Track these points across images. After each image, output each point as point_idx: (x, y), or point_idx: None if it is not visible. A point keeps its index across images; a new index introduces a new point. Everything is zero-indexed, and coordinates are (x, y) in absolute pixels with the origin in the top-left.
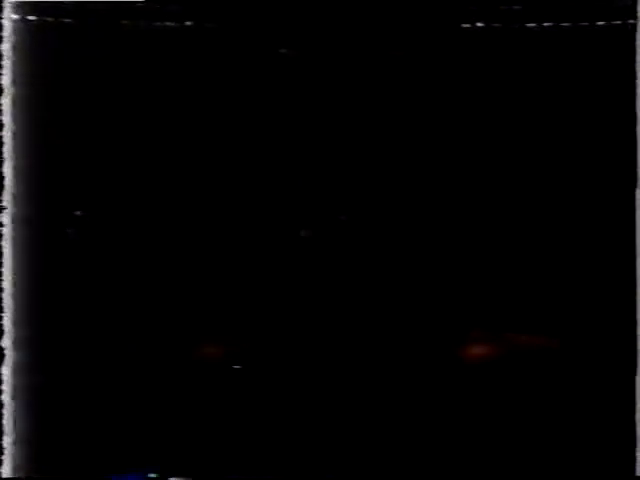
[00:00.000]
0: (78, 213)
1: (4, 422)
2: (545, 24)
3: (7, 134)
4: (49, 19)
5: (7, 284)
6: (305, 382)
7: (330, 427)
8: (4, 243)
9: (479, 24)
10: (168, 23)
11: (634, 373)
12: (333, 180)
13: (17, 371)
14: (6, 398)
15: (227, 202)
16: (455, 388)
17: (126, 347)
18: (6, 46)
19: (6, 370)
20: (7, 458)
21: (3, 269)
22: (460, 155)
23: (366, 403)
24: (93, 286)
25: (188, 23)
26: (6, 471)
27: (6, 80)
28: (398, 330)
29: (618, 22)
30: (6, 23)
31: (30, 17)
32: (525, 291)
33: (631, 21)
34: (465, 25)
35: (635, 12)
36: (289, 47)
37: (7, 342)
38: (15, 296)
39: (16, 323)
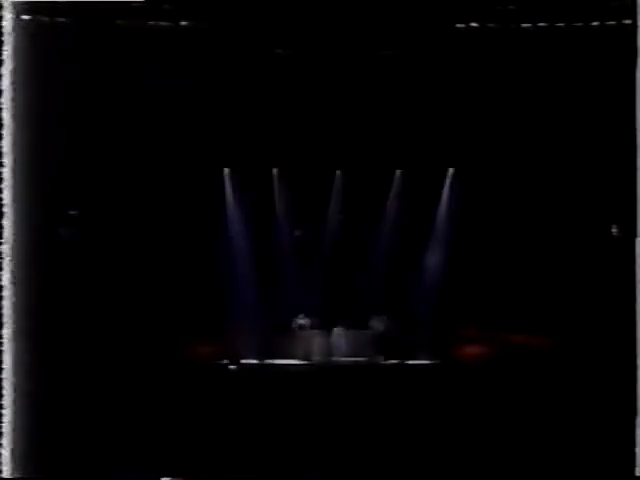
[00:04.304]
0: (73, 213)
1: (3, 423)
2: (540, 24)
3: (6, 135)
4: (45, 19)
5: (6, 286)
6: (298, 379)
7: (324, 425)
8: (4, 242)
9: (473, 24)
10: (163, 23)
11: (634, 373)
12: (327, 178)
13: (17, 371)
14: (6, 399)
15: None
16: (450, 387)
17: (122, 347)
18: (6, 46)
19: (6, 370)
20: (7, 458)
21: (3, 270)
22: (454, 154)
23: (360, 401)
24: (88, 287)
25: (183, 23)
26: (6, 471)
27: (5, 80)
28: (392, 328)
29: (612, 23)
30: (6, 23)
31: (27, 17)
32: (522, 291)
33: (627, 21)
34: (460, 25)
35: (633, 13)
36: (283, 47)
37: (6, 343)
38: (15, 302)
39: (15, 323)
